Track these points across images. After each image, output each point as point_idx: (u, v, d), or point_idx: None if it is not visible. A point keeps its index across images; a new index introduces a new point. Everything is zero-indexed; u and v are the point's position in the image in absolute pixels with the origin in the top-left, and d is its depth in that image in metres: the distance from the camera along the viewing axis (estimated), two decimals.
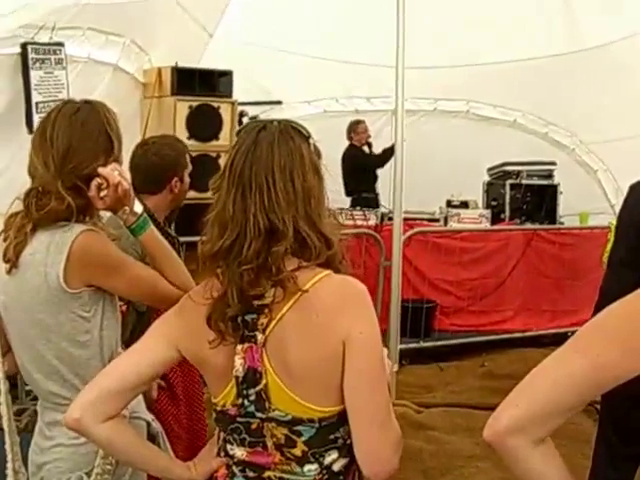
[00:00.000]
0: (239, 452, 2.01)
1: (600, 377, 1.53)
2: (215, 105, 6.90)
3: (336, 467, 1.97)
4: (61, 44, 5.02)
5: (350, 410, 1.90)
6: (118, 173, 2.38)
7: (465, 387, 6.57)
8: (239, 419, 1.96)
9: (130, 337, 3.13)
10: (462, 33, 8.59)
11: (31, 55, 4.70)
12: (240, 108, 7.52)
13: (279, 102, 8.95)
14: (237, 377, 1.90)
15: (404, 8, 5.62)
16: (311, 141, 2.01)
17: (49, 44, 4.88)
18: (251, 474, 2.00)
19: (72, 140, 2.36)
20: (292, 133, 1.97)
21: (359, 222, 7.78)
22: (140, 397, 2.63)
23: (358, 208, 8.29)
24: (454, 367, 7.24)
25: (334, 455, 1.96)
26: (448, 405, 6.02)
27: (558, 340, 7.26)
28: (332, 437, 1.94)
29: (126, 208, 2.44)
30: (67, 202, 2.32)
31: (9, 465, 2.55)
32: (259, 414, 1.92)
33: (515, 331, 7.80)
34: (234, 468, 2.03)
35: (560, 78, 8.62)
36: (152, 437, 2.61)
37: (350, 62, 8.93)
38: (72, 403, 2.02)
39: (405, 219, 7.17)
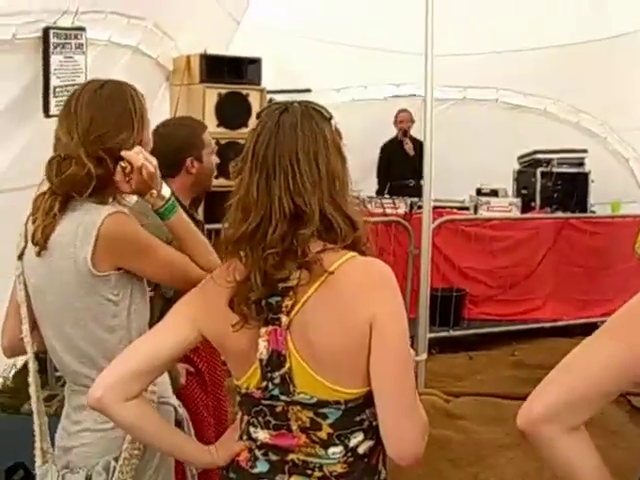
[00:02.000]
0: (262, 435, 2.01)
1: (634, 363, 1.52)
2: (244, 92, 6.92)
3: (361, 449, 1.97)
4: (82, 29, 5.01)
5: (376, 393, 1.90)
6: (143, 156, 2.37)
7: (495, 376, 6.54)
8: (263, 402, 1.96)
9: (157, 323, 3.13)
10: (492, 20, 8.52)
11: (52, 40, 4.68)
12: (269, 96, 7.51)
13: (308, 90, 8.93)
14: (261, 360, 1.90)
15: None
16: (333, 122, 1.99)
17: (71, 29, 4.87)
18: (274, 457, 2.00)
19: (96, 111, 2.36)
20: (314, 115, 1.95)
21: (388, 210, 7.75)
22: (167, 382, 2.63)
23: (387, 196, 8.26)
24: (484, 356, 7.19)
25: (360, 437, 1.96)
26: (477, 394, 5.99)
27: (589, 330, 7.12)
28: (358, 419, 1.94)
29: (153, 191, 2.43)
30: (87, 168, 2.30)
31: (37, 445, 2.56)
32: (284, 397, 1.92)
33: (545, 320, 7.74)
34: (257, 452, 2.03)
35: (592, 66, 8.52)
36: (178, 423, 2.61)
37: (379, 49, 8.89)
38: (94, 382, 2.02)
39: (435, 207, 7.12)
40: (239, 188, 1.92)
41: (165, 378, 2.60)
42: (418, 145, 8.72)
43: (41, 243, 2.35)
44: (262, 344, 1.88)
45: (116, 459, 2.40)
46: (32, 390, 2.56)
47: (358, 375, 1.89)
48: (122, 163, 2.35)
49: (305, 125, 1.92)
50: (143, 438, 2.16)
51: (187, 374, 3.35)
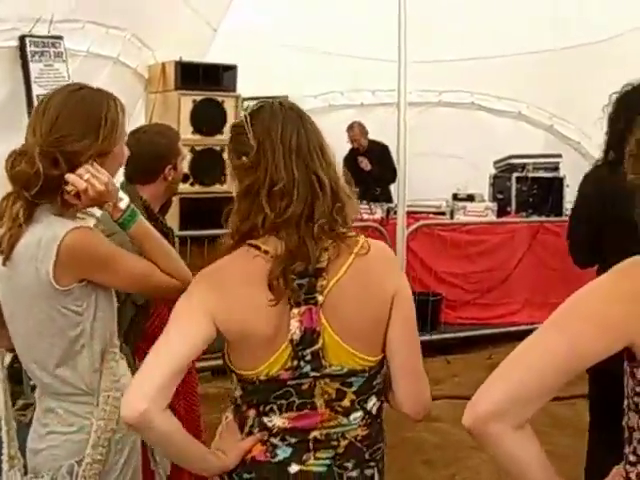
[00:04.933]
0: (280, 421, 2.06)
1: (577, 356, 1.60)
2: (219, 99, 6.91)
3: (374, 410, 2.13)
4: (60, 37, 5.02)
5: (396, 357, 2.10)
6: (89, 176, 2.33)
7: (472, 379, 6.55)
8: (290, 382, 2.03)
9: (128, 329, 3.13)
10: (467, 27, 8.60)
11: (30, 48, 4.68)
12: (246, 103, 7.51)
13: (286, 97, 8.93)
14: (292, 340, 1.99)
15: (405, 2, 5.61)
16: None
17: (48, 37, 4.87)
18: (294, 440, 2.06)
19: (62, 111, 2.34)
20: None
21: (365, 216, 7.78)
22: None
23: (364, 202, 8.29)
24: (461, 360, 7.25)
25: (374, 400, 2.12)
26: (454, 397, 6.02)
27: None
28: (374, 383, 2.10)
29: (109, 203, 2.42)
30: (37, 168, 2.27)
31: (4, 451, 2.55)
32: (313, 373, 2.02)
33: (522, 324, 7.74)
34: (273, 440, 2.07)
35: (565, 71, 8.61)
36: None
37: (355, 56, 8.93)
38: (130, 396, 1.95)
39: (411, 212, 7.19)
40: (274, 176, 2.02)
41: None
42: (380, 150, 8.85)
43: (6, 253, 2.34)
44: (295, 324, 1.98)
45: (79, 462, 2.40)
46: (0, 397, 2.56)
47: (379, 343, 2.09)
48: (67, 187, 2.33)
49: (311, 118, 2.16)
50: (172, 450, 2.09)
51: None
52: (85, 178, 2.33)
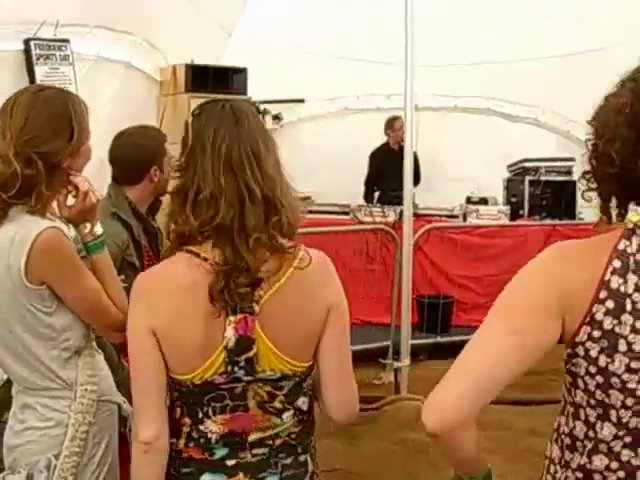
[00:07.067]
0: (215, 426, 2.08)
1: (524, 347, 1.66)
2: None
3: (304, 407, 2.16)
4: (66, 40, 5.03)
5: (327, 365, 2.15)
6: (88, 186, 2.43)
7: None
8: (223, 386, 2.05)
9: None
10: (483, 32, 8.60)
11: (35, 51, 4.69)
12: (262, 106, 7.56)
13: (301, 100, 8.99)
14: (227, 346, 2.00)
15: (412, 6, 5.64)
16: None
17: (54, 40, 4.88)
18: (230, 442, 2.09)
19: (30, 112, 2.37)
20: (254, 110, 2.11)
21: (378, 219, 7.82)
22: (111, 380, 2.66)
23: (378, 205, 8.31)
24: None
25: (303, 398, 2.15)
26: None
27: None
28: (304, 385, 2.15)
29: (87, 224, 2.48)
30: (14, 168, 2.30)
31: None
32: (246, 377, 2.04)
33: None
34: (210, 445, 2.09)
35: (581, 75, 8.57)
36: (124, 419, 2.64)
37: (371, 60, 8.96)
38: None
39: (424, 215, 7.21)
40: (202, 182, 2.00)
41: (109, 378, 2.65)
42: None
43: None
44: (230, 331, 2.00)
45: (56, 456, 2.42)
46: None
47: (311, 351, 2.12)
48: (68, 187, 2.43)
49: (257, 119, 2.09)
50: None
51: None
52: (86, 184, 2.43)
